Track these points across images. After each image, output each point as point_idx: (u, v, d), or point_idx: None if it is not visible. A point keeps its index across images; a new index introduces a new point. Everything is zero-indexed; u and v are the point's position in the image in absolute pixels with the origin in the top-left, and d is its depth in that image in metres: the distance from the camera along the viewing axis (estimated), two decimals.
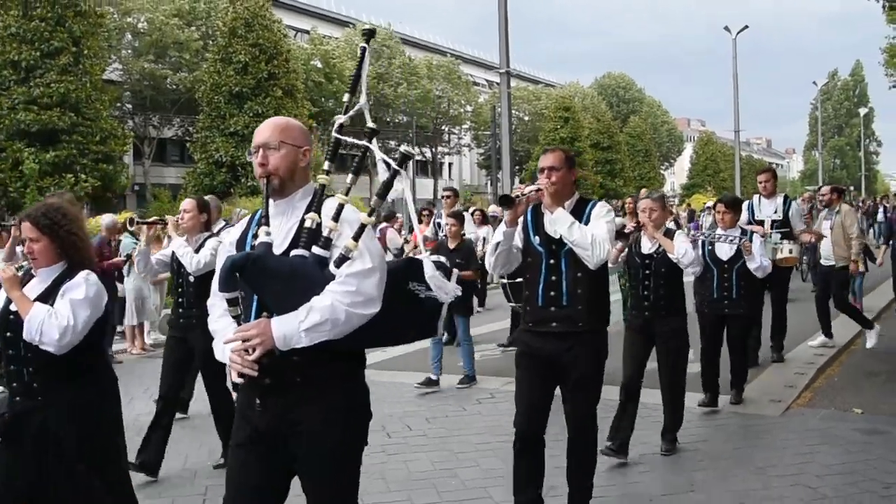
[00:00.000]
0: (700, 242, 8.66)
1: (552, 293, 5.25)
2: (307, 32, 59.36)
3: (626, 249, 7.54)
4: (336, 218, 3.36)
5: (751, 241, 8.41)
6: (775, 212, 11.07)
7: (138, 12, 45.47)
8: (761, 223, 10.86)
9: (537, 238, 5.36)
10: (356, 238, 3.31)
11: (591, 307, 5.26)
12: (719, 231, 8.74)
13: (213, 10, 46.72)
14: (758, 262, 8.34)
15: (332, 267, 3.28)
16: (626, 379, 7.23)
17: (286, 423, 3.35)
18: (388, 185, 3.58)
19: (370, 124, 3.63)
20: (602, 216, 5.28)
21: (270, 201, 3.50)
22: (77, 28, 34.10)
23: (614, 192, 60.64)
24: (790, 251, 10.56)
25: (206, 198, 8.40)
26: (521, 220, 5.39)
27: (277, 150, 3.55)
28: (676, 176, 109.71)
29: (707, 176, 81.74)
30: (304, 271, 3.29)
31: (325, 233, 3.35)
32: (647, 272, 7.34)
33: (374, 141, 3.68)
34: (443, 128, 68.80)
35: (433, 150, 69.26)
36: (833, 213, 12.26)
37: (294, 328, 3.18)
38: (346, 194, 3.58)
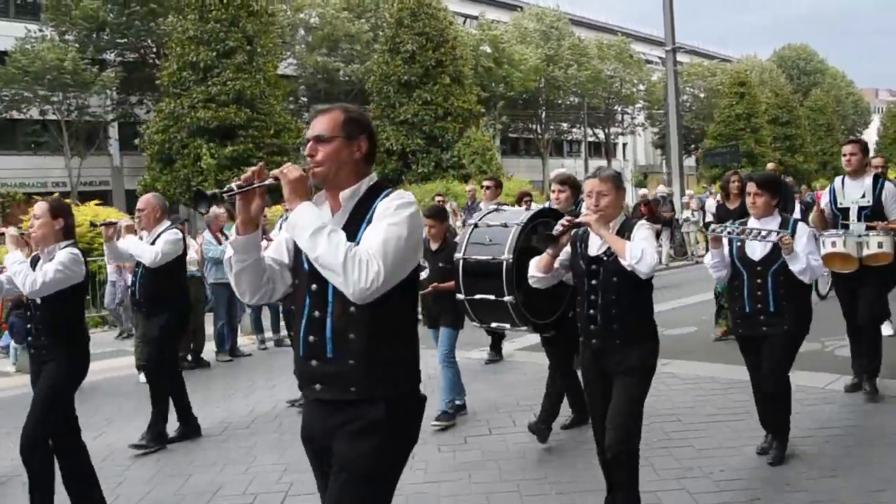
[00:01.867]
0: (726, 239, 6.51)
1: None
2: (475, 18, 59.54)
3: (571, 251, 5.51)
4: None
5: (793, 234, 6.21)
6: (863, 196, 8.33)
7: (310, 8, 46.69)
8: (846, 212, 8.38)
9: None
10: None
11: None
12: (752, 223, 6.49)
13: (381, 1, 47.49)
14: (803, 262, 6.13)
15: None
16: (597, 436, 5.47)
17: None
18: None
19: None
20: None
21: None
22: (250, 27, 35.40)
23: (794, 169, 58.25)
24: (879, 245, 8.06)
25: (150, 196, 8.75)
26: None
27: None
28: None
29: None
30: None
31: None
32: (594, 282, 5.25)
33: None
34: (615, 108, 67.78)
35: (606, 130, 68.34)
36: None
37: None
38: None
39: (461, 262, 7.43)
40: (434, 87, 40.62)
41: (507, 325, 7.41)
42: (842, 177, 8.65)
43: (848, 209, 8.37)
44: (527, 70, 53.53)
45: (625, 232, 5.18)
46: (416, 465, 6.60)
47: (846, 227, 8.23)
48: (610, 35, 67.42)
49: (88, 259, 16.19)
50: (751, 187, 6.54)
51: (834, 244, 8.10)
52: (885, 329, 10.51)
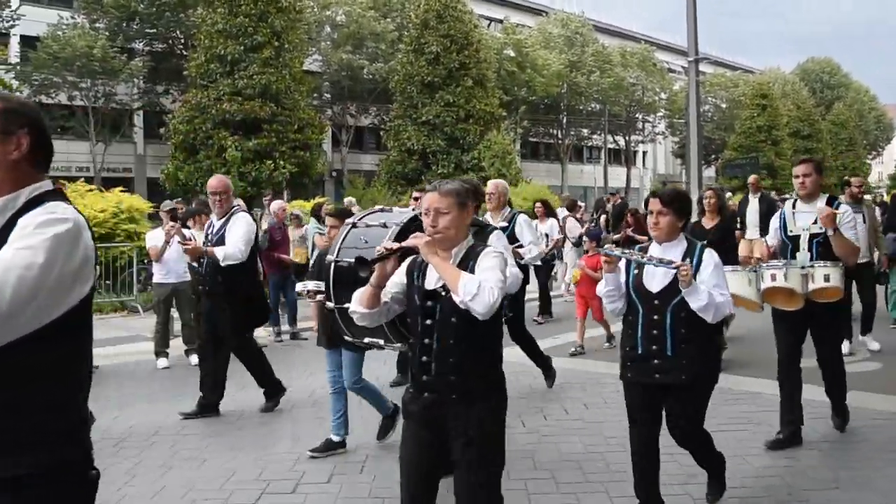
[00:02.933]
0: (624, 264, 5.39)
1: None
2: (500, 22, 59.68)
3: (407, 282, 4.36)
4: None
5: (699, 262, 5.22)
6: (815, 222, 7.07)
7: (336, 5, 46.99)
8: (796, 240, 7.18)
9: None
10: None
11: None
12: (653, 249, 5.39)
13: (407, 1, 47.71)
14: (704, 298, 5.03)
15: None
16: None
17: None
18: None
19: None
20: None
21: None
22: (278, 23, 35.71)
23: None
24: (826, 278, 6.87)
25: (226, 179, 9.00)
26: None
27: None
28: (885, 165, 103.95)
29: None
30: None
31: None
32: (428, 322, 4.16)
33: None
34: (636, 116, 67.81)
35: (626, 138, 68.37)
36: None
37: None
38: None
39: (331, 266, 6.10)
40: (457, 88, 40.85)
41: (381, 342, 5.86)
42: (793, 200, 7.49)
43: (798, 237, 7.20)
44: (549, 75, 53.66)
45: (468, 260, 4.11)
46: None
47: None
48: (633, 43, 67.43)
49: (110, 245, 16.53)
50: (654, 204, 5.33)
51: (774, 277, 6.92)
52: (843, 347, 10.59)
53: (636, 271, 5.34)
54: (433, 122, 40.65)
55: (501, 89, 47.18)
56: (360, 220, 6.38)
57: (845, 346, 10.56)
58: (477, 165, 39.27)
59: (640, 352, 5.30)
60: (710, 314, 5.06)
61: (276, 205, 14.47)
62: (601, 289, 5.44)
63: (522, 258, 9.06)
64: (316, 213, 14.08)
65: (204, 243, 8.75)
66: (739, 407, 8.42)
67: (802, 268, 6.92)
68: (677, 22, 59.14)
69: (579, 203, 21.47)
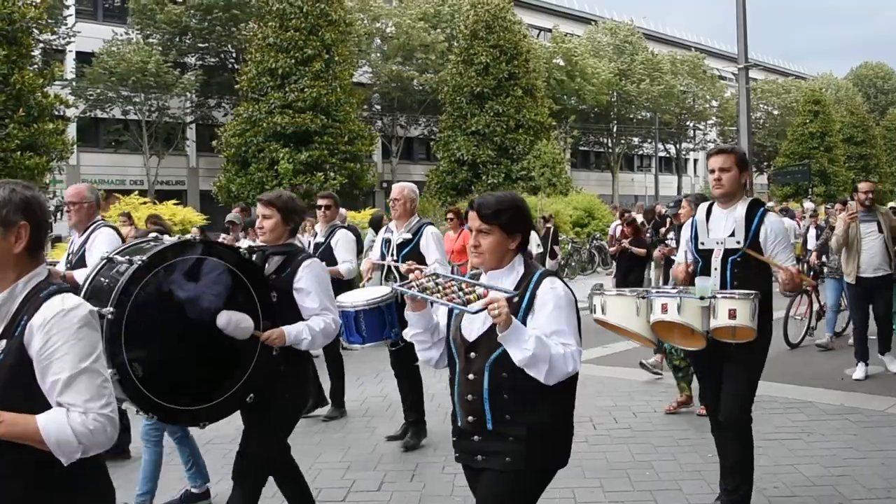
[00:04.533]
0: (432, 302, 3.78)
1: None
2: (549, 31, 59.67)
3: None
4: None
5: (531, 297, 3.67)
6: (732, 234, 5.54)
7: (386, 17, 47.31)
8: (707, 256, 5.62)
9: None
10: None
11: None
12: (483, 278, 3.85)
13: (456, 12, 47.91)
14: (530, 348, 3.45)
15: None
16: None
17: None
18: None
19: None
20: None
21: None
22: (328, 36, 36.09)
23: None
24: (732, 314, 5.20)
25: (81, 186, 7.35)
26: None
27: None
28: None
29: None
30: None
31: None
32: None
33: None
34: (687, 123, 67.37)
35: (677, 146, 67.95)
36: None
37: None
38: None
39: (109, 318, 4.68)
40: (506, 98, 40.88)
41: (134, 407, 4.60)
42: (708, 203, 5.87)
43: (710, 253, 5.62)
44: (599, 84, 53.54)
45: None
46: None
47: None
48: (683, 50, 67.14)
49: None
50: (473, 220, 3.78)
51: (665, 308, 5.34)
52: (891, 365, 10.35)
53: (457, 313, 3.83)
54: (483, 132, 40.70)
55: (551, 98, 47.15)
56: (116, 252, 4.99)
57: (889, 363, 10.36)
58: (527, 175, 39.26)
59: (459, 423, 3.87)
60: (541, 371, 3.47)
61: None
62: (407, 332, 3.98)
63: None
64: (375, 223, 14.22)
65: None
66: (792, 416, 8.36)
67: (702, 298, 5.27)
68: (730, 27, 58.57)
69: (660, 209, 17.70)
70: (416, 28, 46.48)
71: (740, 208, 5.55)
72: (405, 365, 7.91)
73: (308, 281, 5.09)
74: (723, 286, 5.51)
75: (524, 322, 3.59)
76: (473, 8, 42.94)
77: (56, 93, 31.33)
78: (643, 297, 5.48)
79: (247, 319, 4.75)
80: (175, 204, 20.30)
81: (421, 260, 7.62)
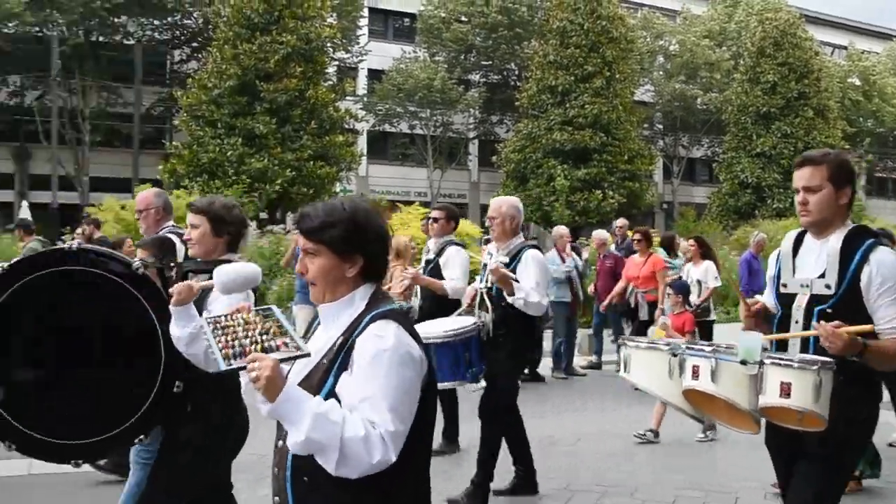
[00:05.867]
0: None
1: None
2: (844, 48, 56.57)
3: None
4: None
5: (347, 353, 2.70)
6: (822, 274, 3.93)
7: (670, 35, 46.59)
8: (790, 302, 4.05)
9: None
10: None
11: None
12: None
13: (743, 29, 46.42)
14: (301, 429, 2.49)
15: None
16: None
17: None
18: None
19: None
20: None
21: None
22: (609, 53, 36.05)
23: None
24: (786, 391, 3.60)
25: (153, 190, 6.89)
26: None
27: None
28: None
29: None
30: None
31: None
32: None
33: None
34: None
35: None
36: None
37: None
38: None
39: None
40: (795, 119, 39.21)
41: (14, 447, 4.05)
42: (799, 230, 4.23)
43: (792, 299, 4.03)
44: None
45: None
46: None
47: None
48: None
49: None
50: (300, 239, 3.11)
51: (695, 372, 3.93)
52: None
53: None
54: (769, 153, 39.14)
55: (844, 120, 44.67)
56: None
57: None
58: None
59: None
60: (330, 460, 2.51)
61: (596, 234, 14.43)
62: None
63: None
64: (667, 244, 13.45)
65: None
66: None
67: (744, 362, 3.73)
68: None
69: None
70: (700, 46, 45.39)
71: (834, 239, 3.92)
72: (490, 409, 6.67)
73: (220, 303, 4.00)
74: (804, 349, 3.86)
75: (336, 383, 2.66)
76: (761, 24, 41.43)
77: (347, 107, 33.42)
78: (675, 355, 4.03)
79: (249, 266, 3.75)
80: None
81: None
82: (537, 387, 12.05)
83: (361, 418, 2.50)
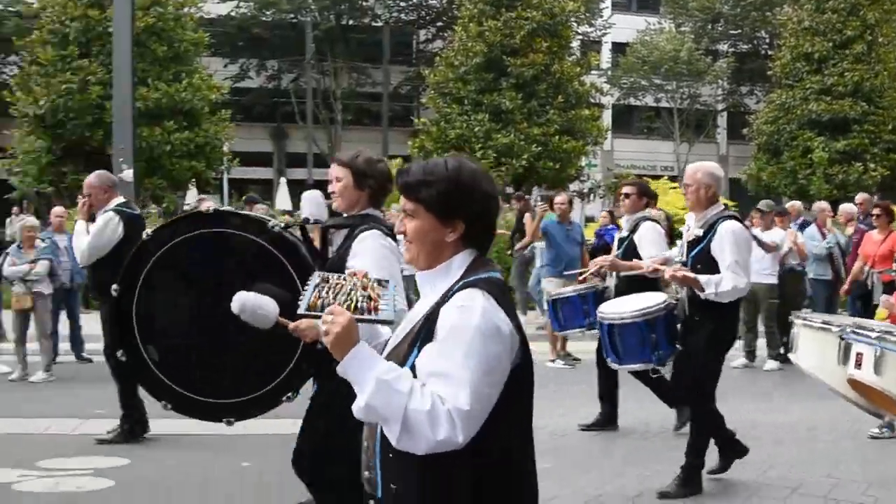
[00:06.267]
0: None
1: None
2: None
3: None
4: None
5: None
6: None
7: None
8: None
9: None
10: None
11: None
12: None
13: None
14: (363, 392, 2.39)
15: None
16: None
17: None
18: None
19: None
20: None
21: None
22: (871, 16, 33.89)
23: None
24: None
25: (95, 174, 8.10)
26: None
27: None
28: None
29: None
30: None
31: None
32: None
33: None
34: None
35: None
36: None
37: None
38: None
39: None
40: None
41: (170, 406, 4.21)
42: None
43: None
44: None
45: None
46: None
47: None
48: None
49: None
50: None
51: (858, 362, 3.37)
52: None
53: None
54: None
55: None
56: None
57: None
58: None
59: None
60: (392, 431, 2.37)
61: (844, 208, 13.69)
62: None
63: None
64: None
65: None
66: None
67: None
68: None
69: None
70: None
71: None
72: (691, 392, 6.39)
73: (363, 258, 4.05)
74: None
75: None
76: None
77: (592, 81, 33.35)
78: (843, 338, 3.45)
79: (267, 304, 3.63)
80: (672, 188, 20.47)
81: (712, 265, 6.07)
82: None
83: (431, 391, 2.33)
